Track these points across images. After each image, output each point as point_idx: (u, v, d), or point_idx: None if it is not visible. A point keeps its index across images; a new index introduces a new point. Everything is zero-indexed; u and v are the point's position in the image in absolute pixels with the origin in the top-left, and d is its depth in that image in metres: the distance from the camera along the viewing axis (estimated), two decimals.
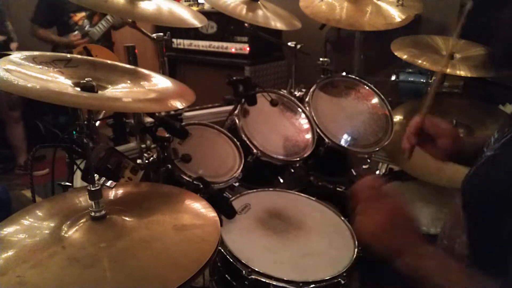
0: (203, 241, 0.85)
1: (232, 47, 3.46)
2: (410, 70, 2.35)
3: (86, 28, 3.20)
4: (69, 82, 0.94)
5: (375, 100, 1.95)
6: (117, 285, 0.73)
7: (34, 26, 3.17)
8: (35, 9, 3.18)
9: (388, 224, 0.81)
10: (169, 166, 1.37)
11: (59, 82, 0.92)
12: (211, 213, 0.95)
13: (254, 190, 1.49)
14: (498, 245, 0.74)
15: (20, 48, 3.24)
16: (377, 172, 2.04)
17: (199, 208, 0.98)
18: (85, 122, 1.32)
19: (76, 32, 3.16)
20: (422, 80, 2.30)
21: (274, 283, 1.08)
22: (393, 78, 2.38)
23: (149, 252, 0.81)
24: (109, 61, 1.16)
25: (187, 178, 1.36)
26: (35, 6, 3.18)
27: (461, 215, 0.86)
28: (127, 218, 0.89)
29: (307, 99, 1.84)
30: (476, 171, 0.85)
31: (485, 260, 0.78)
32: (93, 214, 0.86)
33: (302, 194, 1.50)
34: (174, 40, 3.70)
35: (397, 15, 1.93)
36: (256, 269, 1.10)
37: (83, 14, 3.21)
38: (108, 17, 3.09)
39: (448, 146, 1.02)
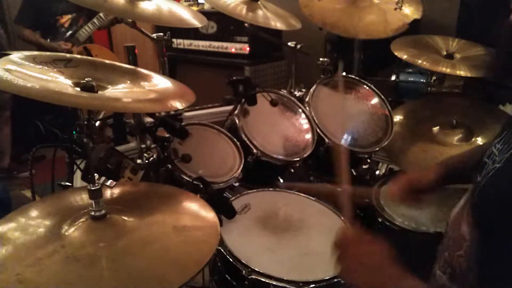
0: (202, 243, 0.85)
1: (232, 47, 3.45)
2: (410, 70, 2.35)
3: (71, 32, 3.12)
4: (69, 82, 0.94)
5: (375, 100, 1.95)
6: (116, 284, 0.73)
7: (19, 27, 3.09)
8: (19, 9, 3.10)
9: (372, 270, 0.81)
10: (169, 166, 1.37)
11: (59, 82, 0.92)
12: (211, 215, 0.95)
13: (254, 190, 1.49)
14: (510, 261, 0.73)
15: (19, 48, 3.18)
16: (377, 172, 2.04)
17: (199, 209, 0.98)
18: (85, 122, 1.31)
19: (70, 45, 3.08)
20: (422, 80, 2.30)
21: (274, 283, 1.08)
22: (393, 78, 2.37)
23: (149, 252, 0.81)
24: (109, 61, 1.16)
25: (187, 178, 1.36)
26: (20, 6, 3.10)
27: (465, 229, 0.85)
28: (127, 218, 0.89)
29: (307, 99, 1.84)
30: (487, 185, 0.82)
31: (495, 278, 0.78)
32: (93, 213, 0.86)
33: (302, 194, 1.50)
34: (174, 40, 3.69)
35: (394, 23, 1.94)
36: (256, 269, 1.10)
37: (69, 16, 3.14)
38: (95, 20, 3.06)
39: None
